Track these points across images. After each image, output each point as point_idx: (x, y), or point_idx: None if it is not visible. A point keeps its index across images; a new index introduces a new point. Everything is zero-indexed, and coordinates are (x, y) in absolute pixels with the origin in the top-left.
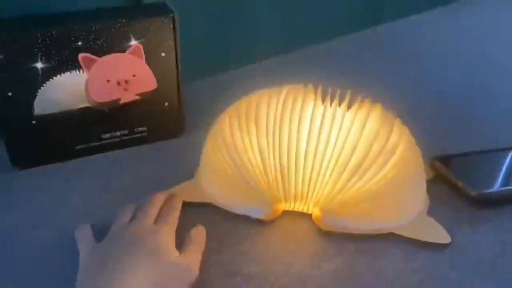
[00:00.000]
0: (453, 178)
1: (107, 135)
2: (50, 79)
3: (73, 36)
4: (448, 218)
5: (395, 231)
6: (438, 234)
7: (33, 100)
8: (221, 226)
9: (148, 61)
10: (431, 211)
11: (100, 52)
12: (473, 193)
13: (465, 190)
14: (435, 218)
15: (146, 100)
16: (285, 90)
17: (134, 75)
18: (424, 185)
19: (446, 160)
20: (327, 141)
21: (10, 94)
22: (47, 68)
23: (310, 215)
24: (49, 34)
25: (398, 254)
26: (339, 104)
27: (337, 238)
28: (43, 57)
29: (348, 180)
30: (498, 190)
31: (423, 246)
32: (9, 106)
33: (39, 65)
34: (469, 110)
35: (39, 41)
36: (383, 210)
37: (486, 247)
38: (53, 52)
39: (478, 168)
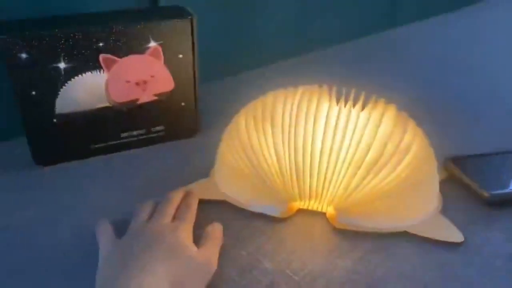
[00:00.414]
0: (466, 178)
1: (125, 134)
2: (72, 79)
3: (94, 37)
4: (461, 217)
5: (409, 230)
6: (451, 233)
7: (55, 99)
8: (236, 223)
9: (166, 62)
10: (444, 211)
11: (120, 53)
12: (486, 194)
13: (478, 190)
14: (448, 218)
15: (163, 100)
16: (300, 90)
17: (152, 76)
18: (437, 185)
19: (459, 160)
20: (342, 141)
21: (33, 93)
22: (69, 68)
23: (324, 214)
24: (71, 35)
25: (412, 253)
26: (354, 105)
27: (351, 236)
28: (66, 57)
29: (362, 179)
30: (510, 191)
31: (436, 245)
32: (32, 104)
33: (62, 65)
34: (483, 111)
35: (62, 41)
36: (397, 209)
37: (499, 246)
38: (75, 52)
39: (490, 169)
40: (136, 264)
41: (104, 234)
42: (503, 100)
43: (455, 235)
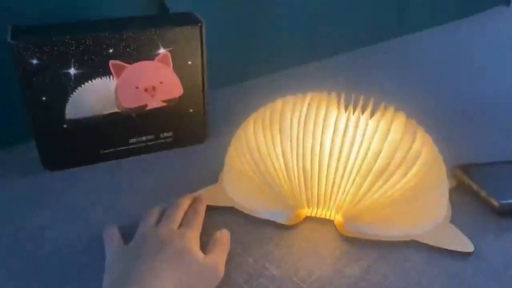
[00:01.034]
0: (475, 187)
1: (134, 140)
2: (82, 85)
3: (104, 43)
4: (471, 226)
5: (418, 239)
6: (461, 242)
7: (65, 105)
8: (244, 229)
9: (175, 69)
10: (454, 219)
11: (130, 59)
12: (496, 203)
13: (488, 199)
14: (458, 227)
15: (172, 106)
16: (308, 97)
17: (161, 82)
18: (447, 193)
19: (468, 169)
20: (350, 148)
21: (44, 98)
22: (79, 74)
23: (332, 221)
24: (82, 41)
25: (420, 262)
26: (362, 112)
27: (359, 244)
28: (76, 63)
29: (371, 186)
30: None
31: (446, 254)
32: (42, 110)
33: (72, 71)
34: (493, 119)
35: (73, 48)
36: (405, 217)
37: (509, 256)
38: (85, 58)
39: (500, 178)
40: (143, 269)
41: (111, 239)
42: None
43: (465, 245)
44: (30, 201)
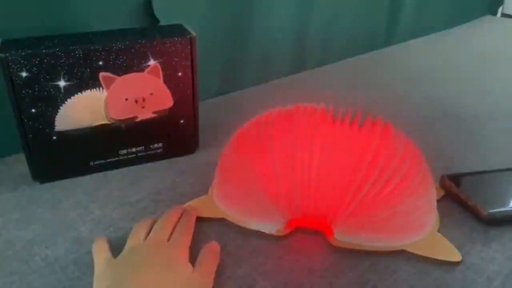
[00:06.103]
0: (463, 196)
1: (124, 151)
2: (72, 97)
3: (94, 56)
4: (459, 236)
5: (407, 249)
6: (449, 252)
7: (55, 117)
8: (234, 241)
9: (165, 80)
10: (442, 229)
11: (120, 71)
12: (485, 212)
13: (476, 209)
14: (446, 236)
15: (162, 117)
16: (297, 109)
17: (151, 94)
18: (435, 203)
19: (456, 178)
20: (339, 159)
21: (33, 110)
22: (69, 86)
23: (322, 232)
24: (72, 53)
25: (410, 271)
26: (350, 124)
27: (349, 255)
28: (66, 76)
29: (360, 197)
30: (508, 209)
31: (434, 264)
32: (32, 122)
33: (62, 83)
34: (480, 129)
35: (62, 60)
36: (394, 228)
37: (497, 265)
38: (75, 70)
39: (488, 187)
40: (132, 282)
41: (100, 252)
42: (501, 117)
43: (453, 254)
44: (18, 214)
